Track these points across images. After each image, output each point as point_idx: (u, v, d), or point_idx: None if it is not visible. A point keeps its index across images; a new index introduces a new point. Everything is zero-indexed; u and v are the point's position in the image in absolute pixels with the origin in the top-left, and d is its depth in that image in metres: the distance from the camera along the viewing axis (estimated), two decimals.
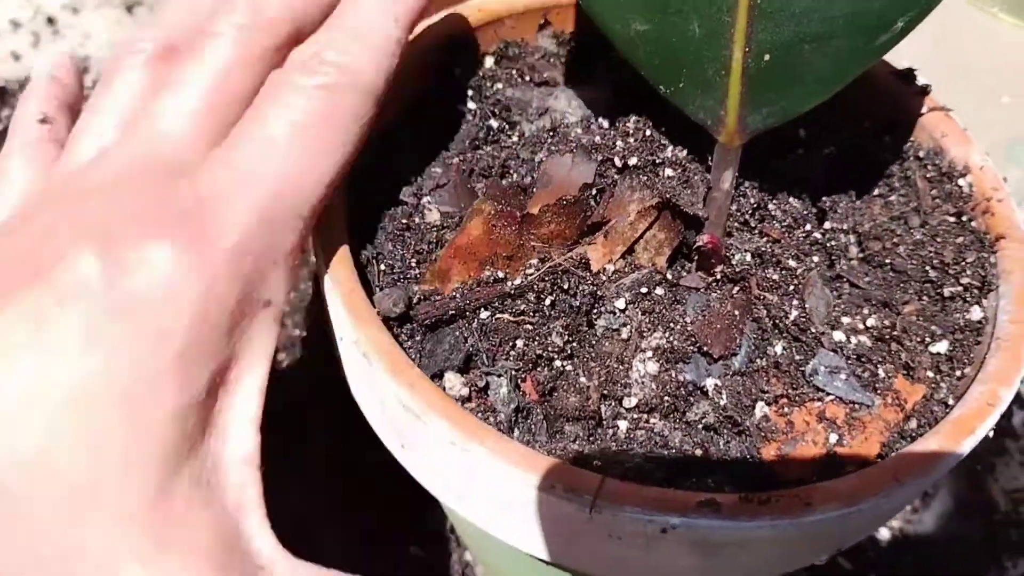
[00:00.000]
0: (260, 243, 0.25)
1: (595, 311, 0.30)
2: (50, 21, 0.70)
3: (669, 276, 0.31)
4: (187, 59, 0.28)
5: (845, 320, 0.31)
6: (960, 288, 0.32)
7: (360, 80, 0.28)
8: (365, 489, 0.48)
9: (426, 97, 0.36)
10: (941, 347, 0.31)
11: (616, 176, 0.31)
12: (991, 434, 0.28)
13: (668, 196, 0.30)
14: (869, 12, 0.26)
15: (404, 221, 0.32)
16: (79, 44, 0.69)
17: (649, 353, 0.29)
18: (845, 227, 0.33)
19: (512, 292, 0.29)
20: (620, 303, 0.30)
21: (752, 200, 0.32)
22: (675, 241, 0.31)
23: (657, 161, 0.31)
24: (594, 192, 0.30)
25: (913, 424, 0.29)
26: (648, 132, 0.31)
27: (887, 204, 0.35)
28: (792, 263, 0.31)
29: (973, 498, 0.52)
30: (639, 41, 0.27)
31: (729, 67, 0.27)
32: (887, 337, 0.31)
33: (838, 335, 0.30)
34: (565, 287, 0.29)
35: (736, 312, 0.30)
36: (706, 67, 0.27)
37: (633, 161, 0.31)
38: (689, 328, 0.29)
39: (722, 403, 0.28)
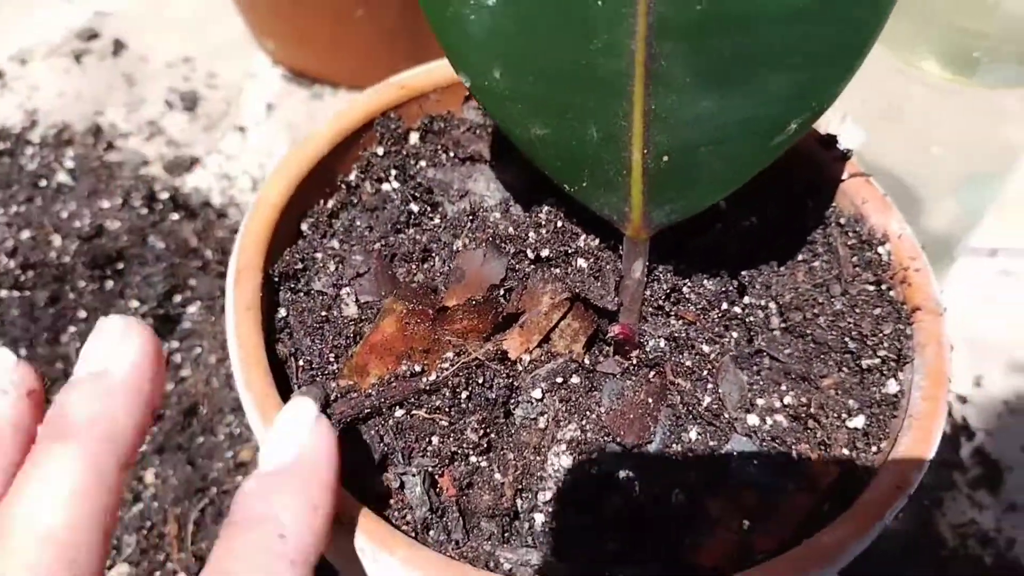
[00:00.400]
0: None
1: (512, 401, 0.30)
2: None
3: (587, 361, 0.31)
4: None
5: (760, 401, 0.31)
6: (878, 360, 0.32)
7: None
8: None
9: (349, 181, 0.37)
10: (858, 422, 0.31)
11: (529, 268, 0.31)
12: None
13: (578, 291, 0.30)
14: (762, 117, 0.26)
15: (323, 314, 0.32)
16: (27, 97, 0.68)
17: (564, 446, 0.29)
18: (763, 302, 0.34)
19: (427, 388, 0.30)
20: (537, 393, 0.30)
21: (666, 285, 0.32)
22: (590, 329, 0.31)
23: (569, 251, 0.31)
24: (503, 291, 0.31)
25: (826, 508, 0.29)
26: (560, 223, 0.32)
27: (811, 270, 0.35)
28: (705, 347, 0.31)
29: (921, 534, 0.52)
30: (539, 144, 0.28)
31: (630, 167, 0.27)
32: (803, 415, 0.31)
33: (752, 419, 0.30)
34: (480, 381, 0.30)
35: (650, 400, 0.30)
36: (607, 168, 0.27)
37: (545, 253, 0.31)
38: (604, 418, 0.30)
39: (636, 494, 0.29)
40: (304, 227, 0.35)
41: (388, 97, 0.37)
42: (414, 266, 0.33)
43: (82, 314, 0.52)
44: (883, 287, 0.35)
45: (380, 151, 0.37)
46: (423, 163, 0.37)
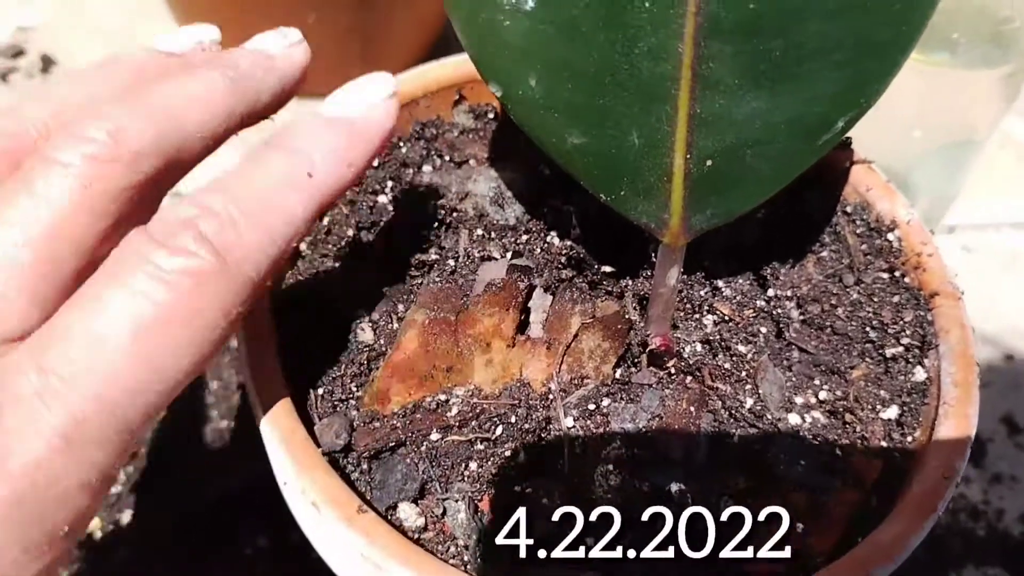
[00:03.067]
0: (59, 469, 0.20)
1: (545, 430, 0.29)
2: None
3: (618, 375, 0.30)
4: (18, 191, 0.22)
5: (798, 399, 0.30)
6: (902, 348, 0.32)
7: (240, 271, 0.22)
8: None
9: (344, 196, 0.35)
10: (891, 413, 0.31)
11: (551, 281, 0.30)
12: None
13: (602, 313, 0.29)
14: (811, 115, 0.25)
15: (338, 339, 0.30)
16: None
17: (610, 466, 0.28)
18: (789, 292, 0.33)
19: (454, 423, 0.28)
20: (568, 421, 0.29)
21: (703, 290, 0.31)
22: (619, 349, 0.30)
23: (589, 258, 0.30)
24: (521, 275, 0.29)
25: (874, 502, 0.29)
26: (575, 227, 0.31)
27: (820, 261, 0.35)
28: (741, 348, 0.30)
29: None
30: (576, 154, 0.26)
31: (671, 173, 0.26)
32: (840, 410, 0.30)
33: (793, 418, 0.30)
34: (511, 420, 0.28)
35: (692, 408, 0.29)
36: (647, 174, 0.26)
37: (563, 259, 0.30)
38: (646, 432, 0.29)
39: (688, 505, 0.28)
40: (303, 247, 0.33)
41: None
42: (424, 289, 0.31)
43: None
44: (896, 274, 0.34)
45: (374, 162, 0.35)
46: (417, 169, 0.35)
